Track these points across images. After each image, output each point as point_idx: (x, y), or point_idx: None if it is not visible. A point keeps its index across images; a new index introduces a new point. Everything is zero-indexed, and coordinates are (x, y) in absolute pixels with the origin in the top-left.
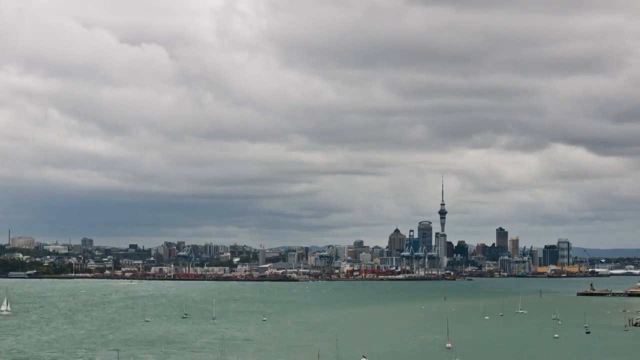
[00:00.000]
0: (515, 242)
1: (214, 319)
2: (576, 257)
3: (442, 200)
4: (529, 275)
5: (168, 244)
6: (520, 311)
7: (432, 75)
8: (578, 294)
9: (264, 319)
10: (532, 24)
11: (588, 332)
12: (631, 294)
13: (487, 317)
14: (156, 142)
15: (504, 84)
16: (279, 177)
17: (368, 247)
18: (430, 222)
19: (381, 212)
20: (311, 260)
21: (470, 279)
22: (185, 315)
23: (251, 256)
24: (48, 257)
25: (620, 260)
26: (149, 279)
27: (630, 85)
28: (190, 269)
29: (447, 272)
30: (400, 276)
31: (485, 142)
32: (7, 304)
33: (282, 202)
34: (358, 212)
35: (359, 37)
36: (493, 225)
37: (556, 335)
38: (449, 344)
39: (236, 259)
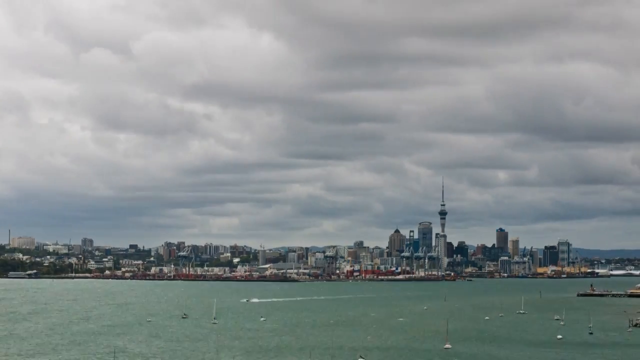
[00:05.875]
0: (516, 243)
1: (214, 319)
2: (576, 258)
3: (442, 201)
4: (529, 275)
5: (168, 244)
6: (522, 312)
7: None
8: (578, 295)
9: (262, 319)
10: None
11: (591, 333)
12: (631, 295)
13: (487, 318)
14: None
15: None
16: None
17: (368, 247)
18: (431, 223)
19: None
20: (311, 260)
21: (470, 280)
22: (184, 316)
23: (251, 256)
24: (48, 257)
25: (621, 261)
26: (149, 279)
27: None
28: (191, 269)
29: (447, 272)
30: (400, 277)
31: None
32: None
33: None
34: None
35: None
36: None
37: (559, 337)
38: (448, 344)
39: (236, 260)
